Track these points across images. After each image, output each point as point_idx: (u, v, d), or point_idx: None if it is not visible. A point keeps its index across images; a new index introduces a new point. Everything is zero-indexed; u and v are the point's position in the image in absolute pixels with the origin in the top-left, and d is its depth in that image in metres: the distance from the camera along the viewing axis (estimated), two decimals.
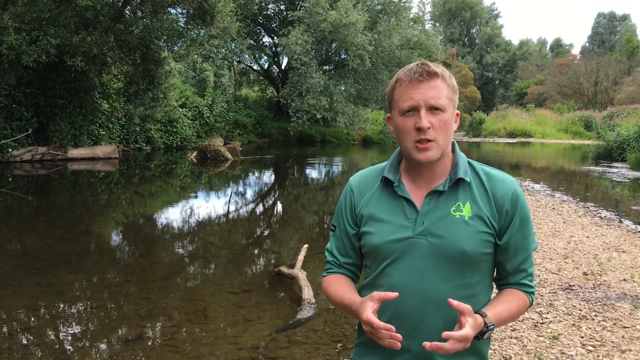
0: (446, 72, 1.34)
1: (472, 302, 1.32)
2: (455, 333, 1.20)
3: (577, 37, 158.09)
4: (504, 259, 1.38)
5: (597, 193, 11.99)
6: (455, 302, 1.22)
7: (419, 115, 1.30)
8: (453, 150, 1.42)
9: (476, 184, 1.37)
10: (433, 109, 1.30)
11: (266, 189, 12.98)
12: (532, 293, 1.42)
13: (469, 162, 1.41)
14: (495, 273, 1.43)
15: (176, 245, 6.81)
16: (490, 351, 3.28)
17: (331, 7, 23.49)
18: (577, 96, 47.57)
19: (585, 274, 5.03)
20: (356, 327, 1.52)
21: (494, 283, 1.45)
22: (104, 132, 17.16)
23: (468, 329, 1.21)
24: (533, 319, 3.84)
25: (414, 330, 1.31)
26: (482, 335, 1.27)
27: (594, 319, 3.85)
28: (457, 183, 1.36)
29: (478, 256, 1.32)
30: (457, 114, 1.38)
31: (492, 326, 1.29)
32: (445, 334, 1.20)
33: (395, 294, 1.24)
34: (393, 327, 1.23)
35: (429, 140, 1.30)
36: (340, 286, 1.45)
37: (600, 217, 8.28)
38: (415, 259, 1.32)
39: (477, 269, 1.34)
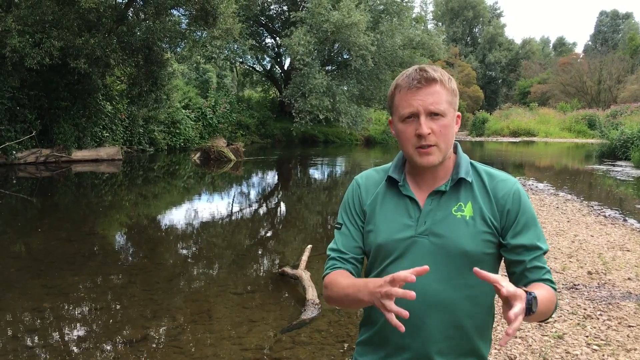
0: (445, 76, 1.33)
1: (473, 303, 1.32)
2: (507, 292, 1.06)
3: (580, 36, 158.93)
4: (516, 258, 1.33)
5: (601, 192, 11.95)
6: (481, 271, 1.11)
7: (419, 121, 1.30)
8: (456, 152, 1.42)
9: (478, 184, 1.37)
10: (433, 115, 1.30)
11: (269, 189, 12.99)
12: (556, 290, 1.34)
13: (471, 163, 1.41)
14: (513, 279, 1.36)
15: (180, 247, 6.82)
16: (495, 350, 3.27)
17: (333, 8, 23.51)
18: (580, 95, 47.42)
19: (589, 273, 5.02)
20: (358, 326, 1.52)
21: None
22: (107, 134, 17.20)
23: (511, 288, 1.08)
24: None
25: (413, 328, 1.30)
26: (530, 305, 1.14)
27: (598, 318, 3.84)
28: (458, 183, 1.37)
29: (479, 256, 1.32)
30: (458, 116, 1.39)
31: (533, 294, 1.16)
32: (511, 314, 1.05)
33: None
34: (413, 294, 1.11)
35: (430, 146, 1.31)
36: (348, 276, 1.39)
37: (605, 216, 8.25)
38: (417, 258, 1.32)
39: None
